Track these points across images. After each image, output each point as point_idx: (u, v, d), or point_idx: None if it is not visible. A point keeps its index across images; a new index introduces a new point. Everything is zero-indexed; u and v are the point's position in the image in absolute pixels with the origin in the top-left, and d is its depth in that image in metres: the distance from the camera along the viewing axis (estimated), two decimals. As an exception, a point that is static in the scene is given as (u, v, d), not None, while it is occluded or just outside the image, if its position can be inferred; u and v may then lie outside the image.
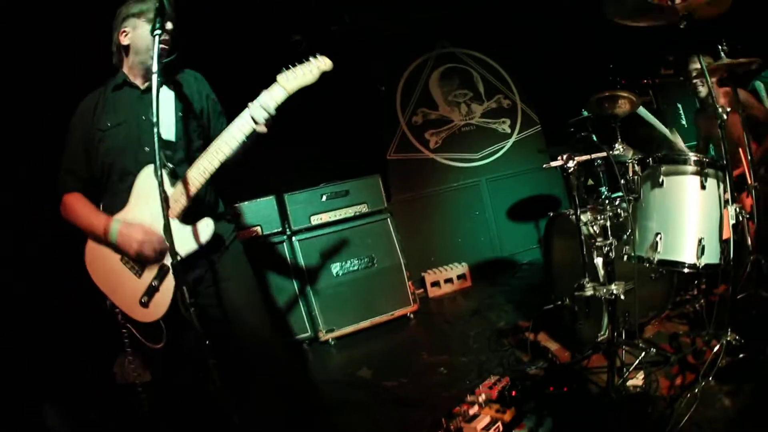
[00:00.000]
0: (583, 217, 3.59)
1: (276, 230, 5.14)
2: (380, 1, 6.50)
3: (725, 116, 2.94)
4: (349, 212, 5.40)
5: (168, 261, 2.50)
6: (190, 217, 2.55)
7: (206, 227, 2.55)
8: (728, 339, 2.93)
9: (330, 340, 5.13)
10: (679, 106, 4.87)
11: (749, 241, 3.22)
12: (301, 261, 5.13)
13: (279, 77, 2.49)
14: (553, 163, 3.52)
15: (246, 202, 5.07)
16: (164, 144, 2.61)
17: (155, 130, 2.15)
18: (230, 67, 4.30)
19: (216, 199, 2.85)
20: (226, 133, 2.51)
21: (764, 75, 4.51)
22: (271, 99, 2.47)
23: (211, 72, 2.97)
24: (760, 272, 3.32)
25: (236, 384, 2.74)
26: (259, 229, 5.07)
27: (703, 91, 4.23)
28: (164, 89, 2.70)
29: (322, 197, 5.30)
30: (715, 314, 3.18)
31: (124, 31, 2.61)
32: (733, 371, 2.85)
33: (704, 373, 2.85)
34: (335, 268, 5.23)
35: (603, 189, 4.17)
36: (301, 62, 2.52)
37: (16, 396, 3.70)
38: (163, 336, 2.52)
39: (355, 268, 5.33)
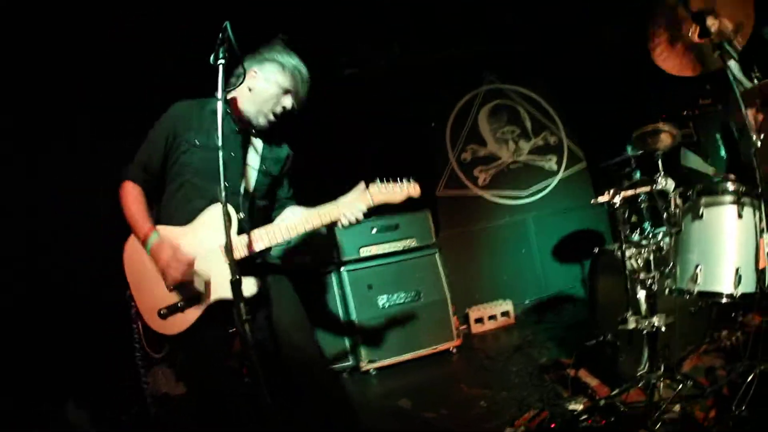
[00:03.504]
0: (628, 252, 3.61)
1: (325, 260, 5.25)
2: (428, 37, 6.63)
3: (759, 143, 2.91)
4: (398, 246, 5.47)
5: (202, 289, 2.56)
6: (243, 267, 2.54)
7: (252, 285, 2.58)
8: (762, 368, 2.90)
9: (371, 370, 5.17)
10: (718, 137, 4.82)
11: None
12: (348, 291, 5.21)
13: (371, 189, 2.75)
14: (600, 199, 3.57)
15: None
16: (244, 192, 2.74)
17: (219, 140, 2.26)
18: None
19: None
20: (306, 217, 2.69)
21: None
22: (359, 208, 2.70)
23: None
24: None
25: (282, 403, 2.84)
26: (308, 257, 5.15)
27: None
28: (257, 140, 2.86)
29: (372, 230, 5.37)
30: (750, 345, 3.14)
31: (255, 72, 2.72)
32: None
33: (738, 402, 2.82)
34: (381, 300, 5.29)
35: (646, 225, 4.17)
36: (395, 180, 2.81)
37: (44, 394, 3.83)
38: (164, 350, 2.59)
39: (402, 301, 5.37)
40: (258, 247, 2.61)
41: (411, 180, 2.81)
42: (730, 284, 2.96)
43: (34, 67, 4.34)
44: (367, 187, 2.74)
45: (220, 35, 2.24)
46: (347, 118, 5.92)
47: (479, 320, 6.41)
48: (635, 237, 3.79)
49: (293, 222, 2.65)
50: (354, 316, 5.18)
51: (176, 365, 3.92)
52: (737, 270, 2.94)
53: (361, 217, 2.69)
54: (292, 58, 2.74)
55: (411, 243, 5.55)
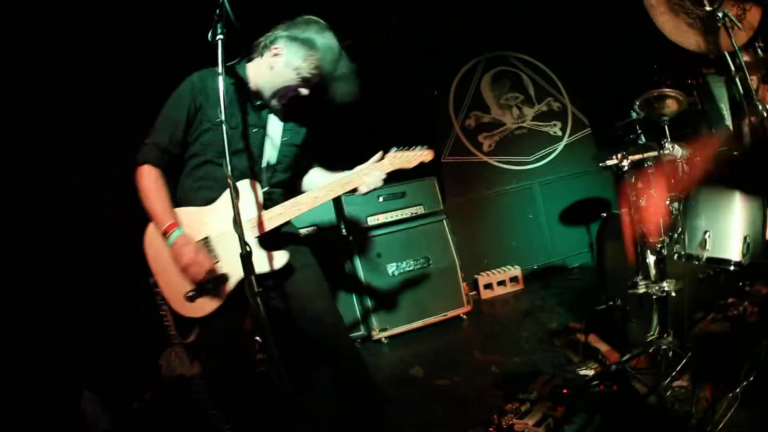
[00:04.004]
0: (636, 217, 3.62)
1: (333, 230, 5.28)
2: (430, 6, 6.57)
3: (766, 114, 2.95)
4: (405, 213, 5.49)
5: (224, 271, 2.52)
6: (268, 242, 2.60)
7: (281, 258, 2.59)
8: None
9: (383, 338, 5.23)
10: (722, 106, 4.79)
11: None
12: (357, 261, 5.25)
13: (388, 156, 2.80)
14: (608, 162, 3.54)
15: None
16: (268, 166, 2.75)
17: (223, 118, 2.18)
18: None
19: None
20: (330, 187, 2.71)
21: None
22: (379, 175, 2.75)
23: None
24: None
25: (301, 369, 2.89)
26: (316, 227, 5.21)
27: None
28: (273, 116, 2.78)
29: (378, 198, 5.39)
30: (760, 316, 3.20)
31: (276, 50, 2.61)
32: None
33: (745, 374, 2.83)
34: (391, 268, 5.33)
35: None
36: (408, 148, 2.86)
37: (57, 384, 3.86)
38: (193, 333, 2.59)
39: (411, 268, 5.41)
40: (283, 219, 2.61)
41: (425, 146, 2.86)
42: (738, 252, 3.01)
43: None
44: (384, 154, 2.79)
45: (218, 11, 2.19)
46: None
47: (488, 286, 6.47)
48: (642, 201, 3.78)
49: (317, 193, 2.67)
50: (364, 286, 5.23)
51: (190, 346, 3.97)
52: (746, 238, 2.98)
53: (380, 183, 2.74)
54: (326, 38, 2.62)
55: (418, 210, 5.57)
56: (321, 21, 2.66)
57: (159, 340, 3.79)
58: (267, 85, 2.65)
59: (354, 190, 2.76)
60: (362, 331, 5.29)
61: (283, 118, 2.80)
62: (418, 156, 2.84)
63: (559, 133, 7.38)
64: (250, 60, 2.70)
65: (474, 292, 6.47)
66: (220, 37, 2.19)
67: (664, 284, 3.10)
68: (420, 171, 5.70)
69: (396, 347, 5.17)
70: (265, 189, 2.67)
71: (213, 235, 2.56)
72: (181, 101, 2.56)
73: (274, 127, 2.77)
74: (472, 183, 6.99)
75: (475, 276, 6.55)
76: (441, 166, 6.81)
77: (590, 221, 6.95)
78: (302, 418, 2.31)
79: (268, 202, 2.66)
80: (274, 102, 2.69)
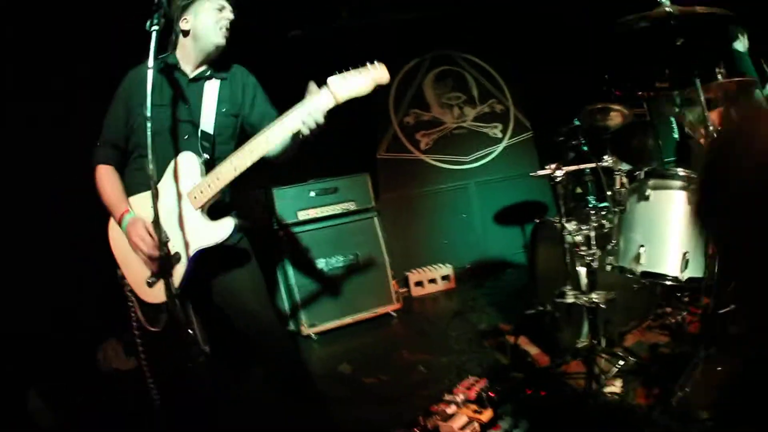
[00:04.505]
0: (569, 226, 3.64)
1: (263, 224, 5.17)
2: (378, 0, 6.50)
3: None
4: (336, 209, 5.41)
5: (176, 249, 2.50)
6: (213, 211, 2.58)
7: (228, 225, 2.52)
8: (707, 353, 2.95)
9: (312, 334, 5.15)
10: (672, 119, 4.89)
11: None
12: (287, 256, 5.15)
13: (330, 81, 2.34)
14: (541, 172, 3.52)
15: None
16: (203, 136, 2.69)
17: (148, 124, 2.15)
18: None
19: (231, 195, 2.85)
20: (265, 135, 2.43)
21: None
22: (319, 108, 2.35)
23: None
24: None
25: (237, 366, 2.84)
26: (248, 222, 5.03)
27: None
28: (211, 81, 2.74)
29: (310, 193, 5.31)
30: (698, 328, 3.24)
31: (185, 18, 2.63)
32: (709, 384, 2.87)
33: (681, 384, 2.87)
34: (320, 264, 5.26)
35: (591, 198, 4.21)
36: (356, 67, 2.36)
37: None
38: (162, 321, 2.52)
39: (340, 264, 5.35)
40: (225, 180, 2.49)
41: (375, 62, 2.36)
42: (675, 267, 2.99)
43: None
44: (326, 83, 2.35)
45: (155, 1, 2.15)
46: (289, 80, 5.78)
47: (419, 283, 6.45)
48: (577, 212, 3.82)
49: (254, 143, 2.45)
50: (293, 281, 5.13)
51: (125, 339, 3.86)
52: (684, 255, 2.96)
53: (321, 119, 2.34)
54: None
55: (350, 206, 5.50)
56: None
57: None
58: (200, 44, 2.66)
59: (297, 136, 2.47)
60: (291, 327, 5.19)
61: (223, 82, 2.77)
62: (369, 76, 2.34)
63: (500, 135, 7.41)
64: (174, 48, 2.73)
65: (405, 290, 6.43)
66: (155, 27, 2.15)
67: (593, 295, 3.09)
68: (353, 167, 5.71)
69: (325, 343, 5.11)
70: (205, 159, 2.62)
71: (162, 215, 2.45)
72: (118, 99, 2.67)
73: (210, 97, 2.73)
74: (407, 180, 6.94)
75: (406, 273, 6.52)
76: (376, 163, 6.76)
77: (526, 223, 7.00)
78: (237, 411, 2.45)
79: (208, 169, 2.60)
80: (219, 44, 2.66)
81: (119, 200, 2.60)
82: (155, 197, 2.14)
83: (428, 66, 7.16)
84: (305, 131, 2.38)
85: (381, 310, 5.50)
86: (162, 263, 2.39)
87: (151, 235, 2.43)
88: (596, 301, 3.05)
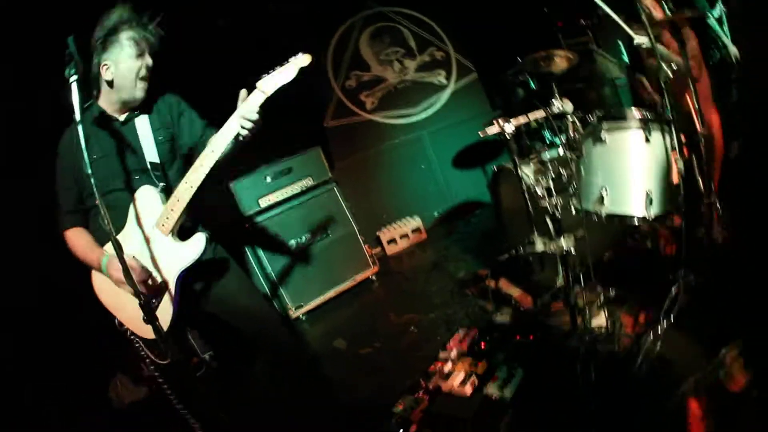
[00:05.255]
0: (527, 170, 3.70)
1: (229, 219, 5.12)
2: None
3: (670, 74, 2.90)
4: (295, 188, 5.40)
5: (160, 279, 2.58)
6: (182, 231, 2.65)
7: (200, 241, 2.60)
8: (686, 279, 3.03)
9: (301, 316, 5.21)
10: (620, 42, 4.88)
11: (701, 186, 3.13)
12: (258, 244, 5.16)
13: (258, 84, 2.51)
14: (489, 129, 3.50)
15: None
16: (153, 167, 2.73)
17: (89, 171, 2.17)
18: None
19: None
20: (210, 147, 2.54)
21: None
22: (252, 107, 2.50)
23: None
24: (712, 214, 3.34)
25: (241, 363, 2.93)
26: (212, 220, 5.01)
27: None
28: (141, 117, 2.79)
29: (266, 178, 5.27)
30: (671, 255, 3.25)
31: (106, 65, 2.62)
32: (693, 309, 2.95)
33: (665, 312, 2.96)
34: (292, 245, 5.27)
35: (546, 133, 4.24)
36: (281, 64, 2.52)
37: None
38: (169, 352, 2.57)
39: (310, 241, 5.38)
40: (185, 199, 2.55)
41: (299, 54, 2.52)
42: (640, 207, 2.99)
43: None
44: (255, 87, 2.54)
45: (66, 52, 2.16)
46: (229, 66, 5.67)
47: (392, 241, 6.55)
48: (534, 160, 3.81)
49: (202, 158, 2.55)
50: (269, 268, 5.15)
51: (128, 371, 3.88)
52: (648, 193, 2.96)
53: (255, 116, 2.50)
54: (124, 18, 2.63)
55: (308, 182, 5.49)
56: (106, 13, 2.65)
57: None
58: (120, 92, 2.68)
59: (237, 139, 2.57)
60: (278, 311, 5.22)
61: (150, 113, 2.83)
62: (293, 65, 2.52)
63: (445, 82, 7.41)
64: (98, 96, 2.73)
65: (379, 249, 6.56)
66: (74, 78, 2.16)
67: (561, 241, 3.11)
68: (303, 142, 5.68)
69: (315, 322, 5.19)
70: (162, 187, 2.70)
71: (136, 253, 2.60)
72: (62, 164, 2.71)
73: (145, 130, 2.78)
74: (359, 143, 6.93)
75: (377, 233, 6.62)
76: (326, 132, 6.73)
77: (486, 162, 7.09)
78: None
79: (167, 195, 2.68)
80: (138, 95, 2.71)
81: (93, 250, 2.66)
82: (119, 249, 2.15)
83: (361, 26, 7.06)
84: (244, 132, 2.53)
85: (360, 277, 5.59)
86: (150, 292, 2.53)
87: (135, 265, 2.49)
88: (566, 247, 3.09)
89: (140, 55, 2.65)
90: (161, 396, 2.76)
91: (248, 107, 2.49)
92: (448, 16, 7.44)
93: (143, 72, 2.68)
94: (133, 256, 2.55)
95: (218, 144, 2.52)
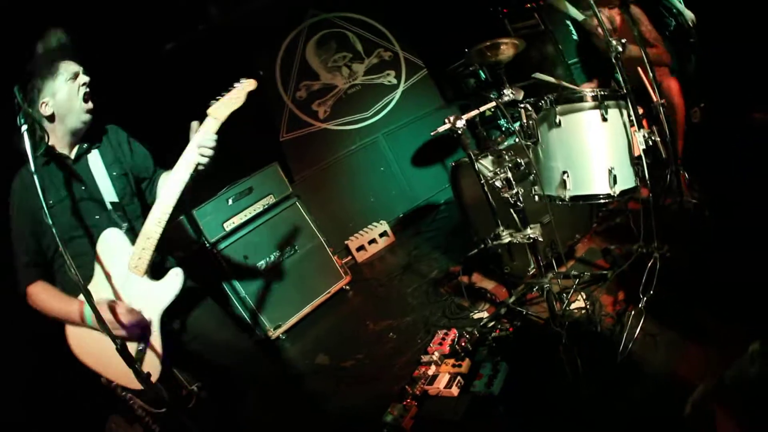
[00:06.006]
0: (485, 162, 3.70)
1: (195, 248, 5.05)
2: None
3: (621, 49, 2.91)
4: (258, 208, 5.32)
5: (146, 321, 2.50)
6: (156, 270, 2.55)
7: (177, 276, 2.54)
8: (661, 251, 3.06)
9: (280, 335, 5.15)
10: (568, 23, 4.88)
11: (664, 154, 3.11)
12: (228, 269, 5.07)
13: (210, 111, 2.51)
14: (441, 128, 3.46)
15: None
16: (113, 206, 2.65)
17: (50, 221, 2.10)
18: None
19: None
20: (173, 179, 2.49)
21: None
22: (207, 135, 2.48)
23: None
24: (679, 182, 3.42)
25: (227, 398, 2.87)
26: (179, 251, 4.96)
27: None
28: (92, 153, 2.70)
29: (228, 201, 5.18)
30: (643, 226, 3.20)
31: (44, 102, 2.53)
32: (671, 280, 2.98)
33: (644, 287, 2.98)
34: (261, 265, 5.20)
35: (502, 121, 4.23)
36: (227, 90, 2.54)
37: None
38: (165, 398, 2.50)
39: (280, 259, 5.32)
40: (155, 237, 2.49)
41: (242, 79, 2.57)
42: (605, 185, 2.96)
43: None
44: (207, 114, 2.54)
45: (15, 102, 2.17)
46: (177, 91, 5.58)
47: (361, 248, 6.53)
48: (489, 151, 3.82)
49: (166, 191, 2.50)
50: (243, 292, 5.06)
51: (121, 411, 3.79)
52: (611, 171, 2.93)
53: (212, 143, 2.49)
54: (48, 48, 2.60)
55: (269, 200, 5.42)
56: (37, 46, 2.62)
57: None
58: (67, 122, 2.60)
59: (197, 169, 2.54)
60: (258, 335, 5.16)
61: (101, 149, 2.75)
62: (241, 91, 2.56)
63: (395, 81, 7.40)
64: (46, 137, 2.58)
65: (349, 258, 6.52)
66: (24, 127, 2.13)
67: (528, 231, 3.07)
68: (260, 159, 5.61)
69: (295, 339, 5.13)
70: (125, 227, 2.62)
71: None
72: (15, 212, 2.56)
73: (98, 167, 2.70)
74: (316, 153, 6.89)
75: (345, 242, 6.58)
76: (281, 146, 6.68)
77: (444, 158, 7.13)
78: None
79: (134, 236, 2.59)
80: (84, 119, 2.62)
81: (68, 303, 2.50)
82: (90, 299, 2.08)
83: (306, 35, 7.02)
84: (204, 161, 2.50)
85: (334, 289, 5.56)
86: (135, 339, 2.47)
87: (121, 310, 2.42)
88: (533, 236, 3.05)
89: (75, 75, 2.58)
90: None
91: (204, 135, 2.48)
92: (392, 16, 7.44)
93: (83, 90, 2.59)
94: (114, 300, 2.47)
95: (180, 175, 2.48)
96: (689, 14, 4.06)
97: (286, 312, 5.24)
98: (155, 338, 2.51)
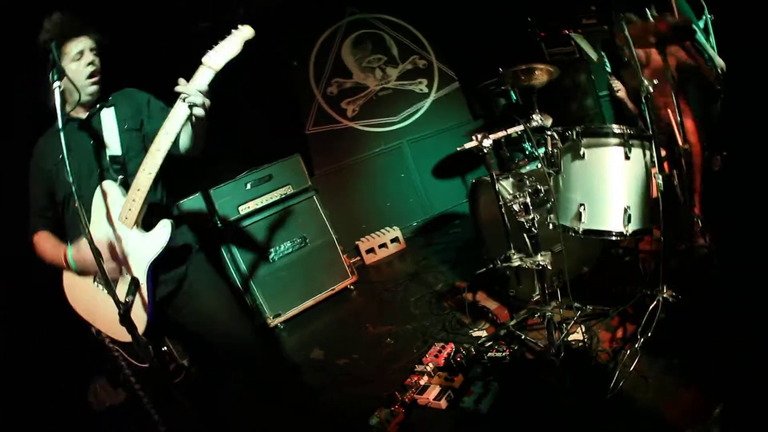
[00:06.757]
0: (505, 184, 3.71)
1: (208, 227, 5.08)
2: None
3: (651, 89, 2.89)
4: (275, 196, 5.38)
5: (135, 273, 2.51)
6: (148, 222, 2.56)
7: (165, 227, 2.53)
8: (665, 295, 3.03)
9: (279, 324, 5.19)
10: (603, 54, 4.90)
11: (681, 198, 3.09)
12: (237, 253, 5.13)
13: (204, 59, 2.46)
14: (468, 145, 3.48)
15: (174, 203, 4.94)
16: (113, 159, 2.67)
17: (67, 167, 2.16)
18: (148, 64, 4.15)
19: (168, 202, 2.86)
20: (163, 128, 2.47)
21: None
22: (194, 84, 2.44)
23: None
24: (693, 228, 3.41)
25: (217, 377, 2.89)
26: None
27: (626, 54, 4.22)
28: (105, 110, 2.73)
29: (246, 186, 5.24)
30: (652, 268, 3.23)
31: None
32: (671, 325, 2.96)
33: (643, 328, 2.95)
34: (271, 253, 5.25)
35: (527, 145, 4.24)
36: (223, 38, 2.48)
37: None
38: (150, 354, 2.53)
39: (290, 250, 5.36)
40: (145, 187, 2.49)
41: (239, 25, 2.50)
42: (618, 223, 2.97)
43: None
44: (201, 62, 2.47)
45: (50, 57, 2.21)
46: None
47: (370, 251, 6.56)
48: (511, 173, 3.82)
49: (157, 142, 2.48)
50: (248, 276, 5.12)
51: (107, 374, 3.83)
52: (626, 209, 2.94)
53: (198, 94, 2.42)
54: (54, 24, 2.58)
55: (287, 190, 5.47)
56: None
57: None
58: (72, 97, 2.61)
59: (193, 119, 2.52)
60: (257, 321, 5.19)
61: (116, 106, 2.77)
62: (236, 38, 2.49)
63: (426, 90, 7.42)
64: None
65: (358, 258, 6.55)
66: (57, 84, 2.18)
67: (539, 257, 3.09)
68: (284, 149, 5.66)
69: (293, 330, 5.16)
70: (120, 180, 2.62)
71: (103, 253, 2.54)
72: (32, 171, 2.72)
73: (109, 123, 2.73)
74: (340, 151, 6.94)
75: (356, 242, 6.62)
76: (306, 139, 6.73)
77: (465, 173, 7.15)
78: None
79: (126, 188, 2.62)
80: (90, 90, 2.66)
81: (58, 248, 2.62)
82: (92, 242, 2.16)
83: (344, 33, 7.07)
84: (198, 112, 2.45)
85: (338, 287, 5.58)
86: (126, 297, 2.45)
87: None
88: (542, 263, 3.07)
89: (80, 54, 2.61)
90: (139, 400, 2.74)
91: (191, 85, 2.43)
92: (431, 25, 7.45)
93: (88, 70, 2.62)
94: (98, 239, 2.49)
95: (171, 126, 2.46)
96: (720, 61, 4.03)
97: (288, 302, 5.29)
98: (143, 291, 2.52)
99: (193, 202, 5.07)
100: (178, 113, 2.46)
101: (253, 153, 5.76)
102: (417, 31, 7.46)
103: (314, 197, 5.60)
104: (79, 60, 2.60)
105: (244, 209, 5.20)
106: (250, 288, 5.12)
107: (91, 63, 2.63)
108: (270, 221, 5.32)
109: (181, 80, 2.46)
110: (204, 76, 2.46)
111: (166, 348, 3.95)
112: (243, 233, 5.18)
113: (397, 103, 7.26)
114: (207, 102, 2.46)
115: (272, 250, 5.27)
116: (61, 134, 2.16)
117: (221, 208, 5.09)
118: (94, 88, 2.66)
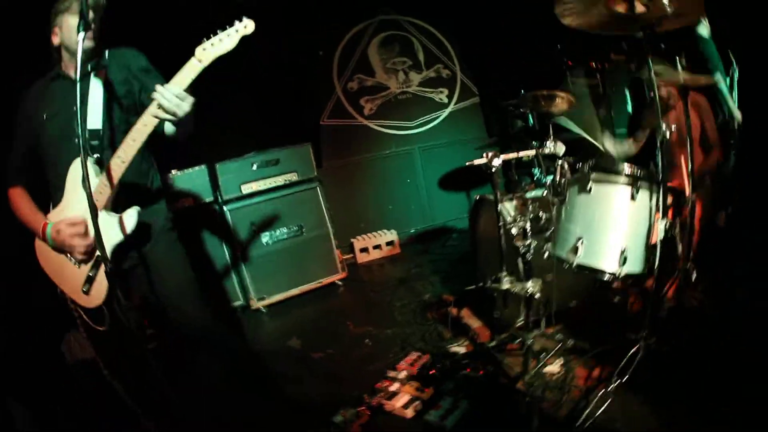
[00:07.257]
0: (508, 206, 3.70)
1: (208, 200, 5.09)
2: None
3: (668, 134, 2.89)
4: (279, 181, 5.39)
5: (99, 251, 2.43)
6: (119, 205, 2.52)
7: (131, 217, 2.51)
8: (648, 342, 2.99)
9: (262, 307, 5.19)
10: (626, 92, 4.88)
11: (680, 251, 3.12)
12: (232, 230, 5.12)
13: (197, 50, 2.31)
14: (477, 161, 3.47)
15: (178, 173, 4.99)
16: (92, 134, 2.59)
17: (77, 121, 2.19)
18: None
19: (152, 179, 2.81)
20: (141, 121, 2.39)
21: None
22: (182, 81, 2.32)
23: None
24: (687, 280, 3.35)
25: (178, 361, 2.87)
26: (191, 199, 5.01)
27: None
28: (94, 79, 2.65)
29: (252, 166, 5.25)
30: (638, 314, 3.23)
31: (54, 32, 2.62)
32: (649, 371, 2.91)
33: (620, 371, 2.91)
34: (265, 237, 5.26)
35: (536, 170, 4.22)
36: (224, 29, 2.31)
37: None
38: (106, 319, 2.56)
39: (285, 237, 5.37)
40: (117, 172, 2.45)
41: (243, 18, 2.32)
42: (613, 263, 2.95)
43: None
44: (193, 54, 2.32)
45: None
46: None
47: (364, 250, 6.56)
48: (516, 195, 3.80)
49: (134, 132, 2.41)
50: (239, 255, 5.13)
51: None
52: (623, 251, 2.92)
53: (171, 98, 2.28)
54: None
55: (292, 177, 5.48)
56: None
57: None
58: (68, 53, 2.63)
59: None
60: (241, 301, 5.22)
61: (102, 76, 2.68)
62: (234, 33, 2.31)
63: (446, 100, 7.43)
64: (60, 60, 2.71)
65: (350, 255, 6.54)
66: (82, 35, 2.16)
67: (529, 284, 3.08)
68: (297, 135, 5.67)
69: (275, 316, 5.17)
70: (96, 158, 2.56)
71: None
72: (17, 121, 2.73)
73: (95, 93, 2.65)
74: (351, 146, 6.94)
75: (352, 239, 6.61)
76: (320, 129, 6.73)
77: (471, 188, 7.12)
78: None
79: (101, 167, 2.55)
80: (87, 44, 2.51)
81: (35, 215, 2.67)
82: (90, 199, 2.17)
83: (374, 31, 7.08)
84: (165, 116, 2.35)
85: (327, 280, 5.58)
86: (90, 262, 2.54)
87: (77, 232, 2.49)
88: (531, 291, 3.06)
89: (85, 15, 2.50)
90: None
91: (174, 88, 2.30)
92: (462, 37, 7.47)
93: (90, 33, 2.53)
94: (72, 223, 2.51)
95: (149, 119, 2.38)
96: (738, 115, 4.02)
97: (275, 287, 5.30)
98: (103, 272, 2.50)
99: (198, 173, 5.07)
100: (150, 113, 2.37)
101: (264, 134, 5.76)
102: (446, 41, 7.47)
103: (317, 188, 5.60)
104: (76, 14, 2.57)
105: (246, 188, 5.20)
106: (239, 267, 5.11)
107: (90, 26, 2.53)
108: (270, 205, 5.32)
109: (158, 87, 2.31)
110: (190, 72, 2.32)
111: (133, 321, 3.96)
112: (240, 213, 5.18)
113: (415, 108, 7.26)
114: (184, 109, 2.34)
115: (267, 233, 5.27)
116: (77, 87, 2.16)
117: (224, 184, 5.10)
118: (90, 41, 2.54)
